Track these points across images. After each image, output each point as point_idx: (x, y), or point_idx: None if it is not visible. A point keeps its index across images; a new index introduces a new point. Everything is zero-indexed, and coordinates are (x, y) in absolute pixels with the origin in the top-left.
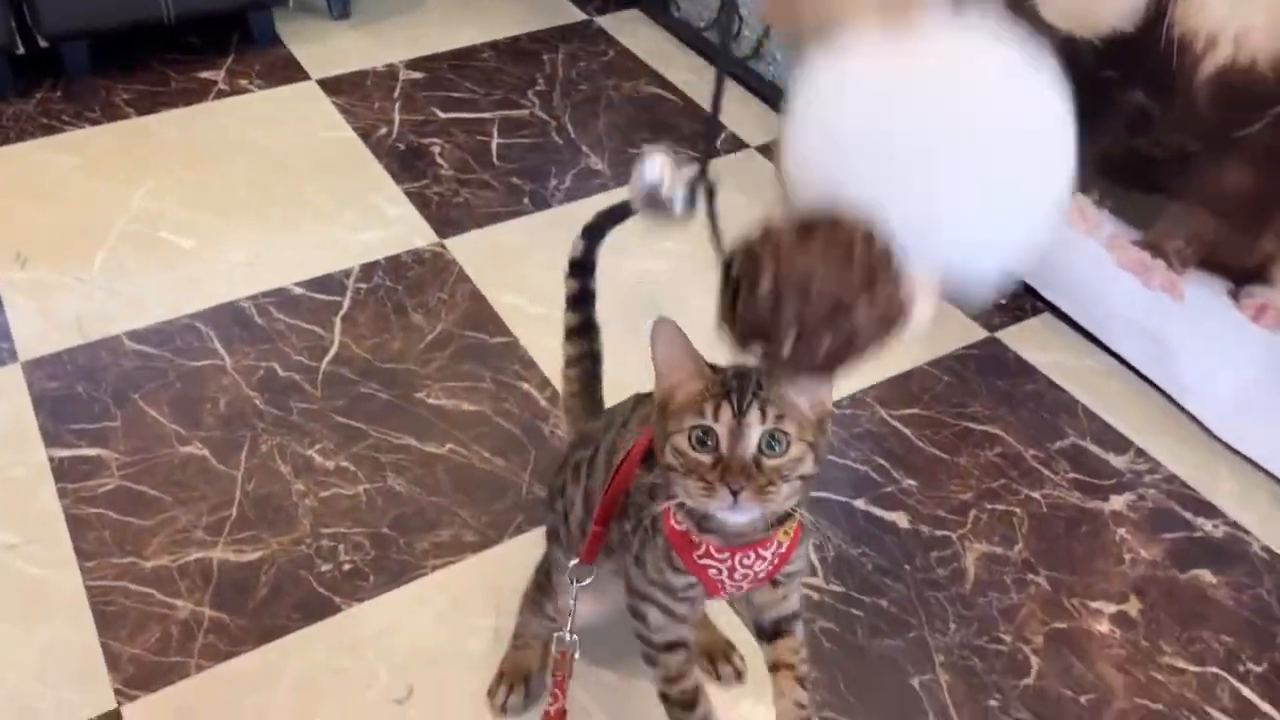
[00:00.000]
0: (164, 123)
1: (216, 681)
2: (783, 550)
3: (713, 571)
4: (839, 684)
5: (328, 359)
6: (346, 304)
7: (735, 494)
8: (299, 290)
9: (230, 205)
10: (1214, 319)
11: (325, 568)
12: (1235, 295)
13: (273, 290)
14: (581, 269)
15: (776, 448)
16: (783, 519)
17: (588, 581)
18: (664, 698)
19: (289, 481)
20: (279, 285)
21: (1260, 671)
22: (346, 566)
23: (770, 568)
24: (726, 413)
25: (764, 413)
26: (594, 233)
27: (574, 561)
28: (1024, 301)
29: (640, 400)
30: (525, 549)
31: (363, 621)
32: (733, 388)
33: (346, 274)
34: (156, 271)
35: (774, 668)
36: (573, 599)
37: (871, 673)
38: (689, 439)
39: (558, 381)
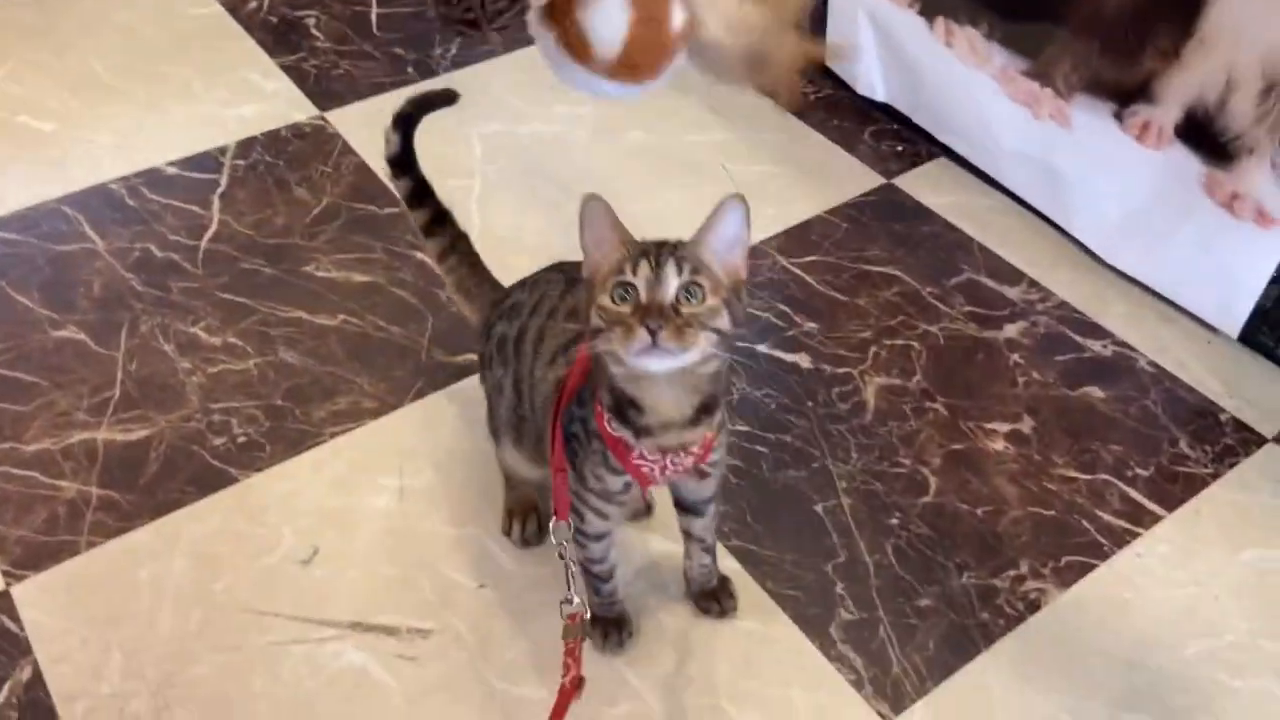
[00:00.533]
0: (18, 5)
1: (109, 557)
2: (709, 442)
3: (646, 469)
4: (746, 516)
5: (207, 237)
6: (224, 181)
7: (654, 334)
8: (172, 170)
9: (93, 87)
10: (1100, 144)
11: (218, 441)
12: (1120, 116)
13: (144, 171)
14: (403, 164)
15: (693, 299)
16: (708, 408)
17: (570, 534)
18: (585, 570)
19: (174, 360)
20: (150, 165)
21: (1147, 475)
22: (241, 439)
23: (696, 459)
24: (645, 268)
25: (680, 266)
26: (406, 122)
27: (553, 521)
28: (920, 147)
29: (569, 285)
30: (428, 411)
31: (262, 490)
32: (651, 249)
33: (222, 151)
34: (17, 157)
35: (686, 537)
36: (564, 558)
37: (777, 503)
38: (611, 296)
39: None
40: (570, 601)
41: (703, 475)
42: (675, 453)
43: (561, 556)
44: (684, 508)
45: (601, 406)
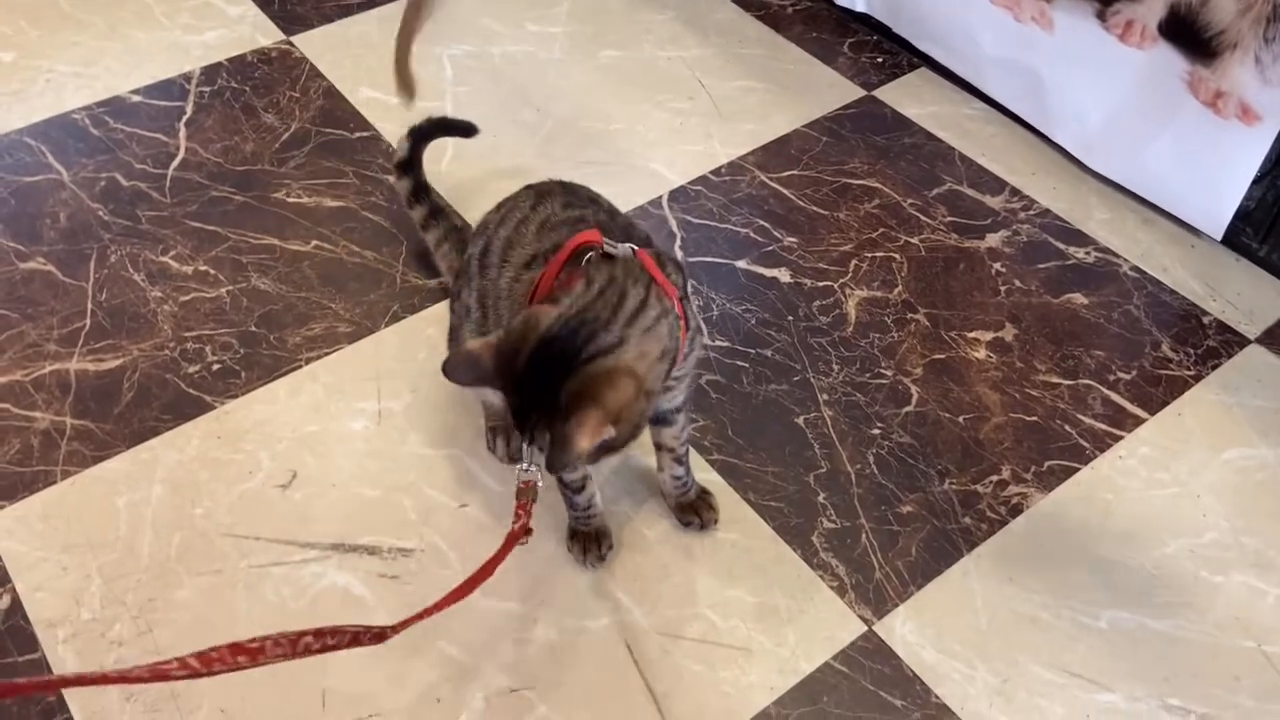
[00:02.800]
0: None
1: (86, 485)
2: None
3: None
4: (728, 430)
5: (174, 165)
6: (190, 109)
7: None
8: (136, 98)
9: (51, 16)
10: (1083, 45)
11: (193, 369)
12: (1102, 16)
13: (107, 100)
14: (408, 167)
15: None
16: None
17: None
18: (559, 481)
19: (144, 289)
20: (113, 94)
21: (1129, 379)
22: (215, 366)
23: None
24: None
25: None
26: (421, 135)
27: None
28: (900, 58)
29: (538, 199)
30: (404, 334)
31: (238, 416)
32: None
33: (187, 78)
34: None
35: (658, 447)
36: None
37: (758, 416)
38: None
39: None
40: (528, 469)
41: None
42: None
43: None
44: (653, 418)
45: None
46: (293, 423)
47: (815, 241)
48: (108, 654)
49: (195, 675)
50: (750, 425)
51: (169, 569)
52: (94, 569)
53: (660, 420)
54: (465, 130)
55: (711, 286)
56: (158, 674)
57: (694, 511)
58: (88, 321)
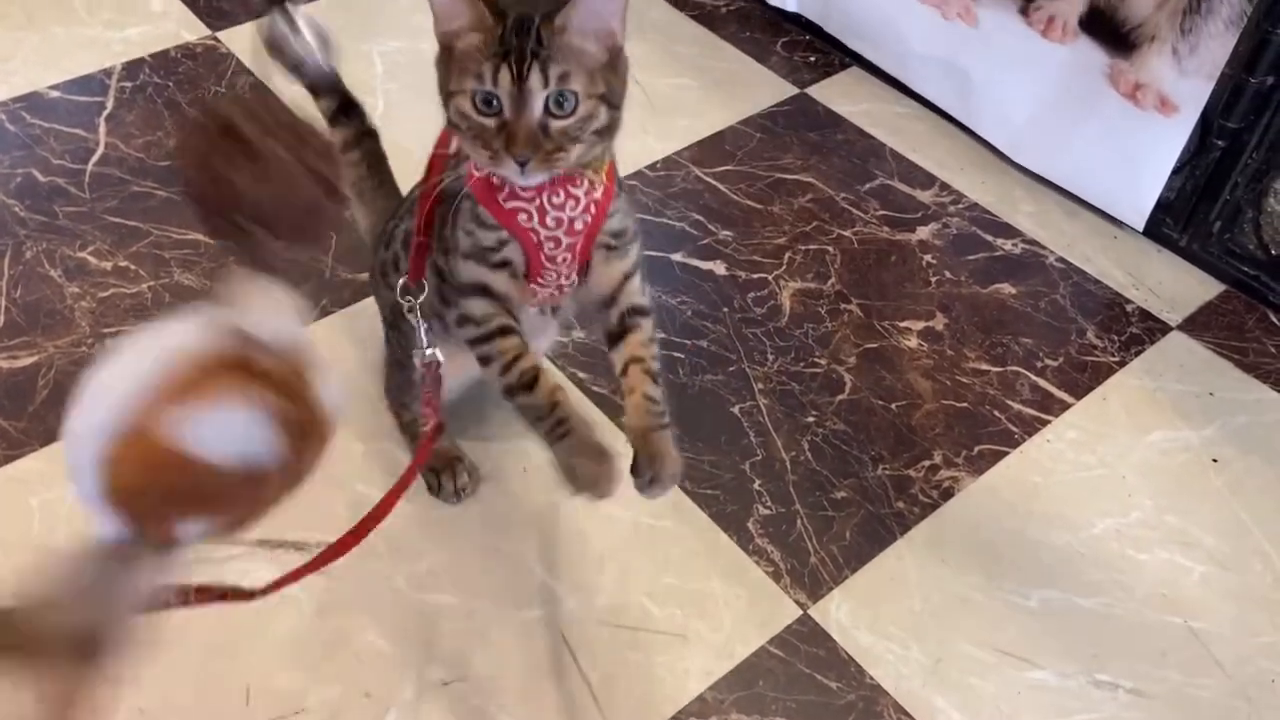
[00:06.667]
0: None
1: None
2: (596, 195)
3: (522, 217)
4: None
5: (94, 160)
6: (110, 104)
7: (522, 165)
8: (54, 93)
9: None
10: (1007, 41)
11: None
12: (1025, 11)
13: (23, 95)
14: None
15: (565, 107)
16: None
17: (422, 297)
18: (508, 391)
19: (61, 285)
20: (30, 89)
21: (1056, 365)
22: None
23: (588, 217)
24: (506, 77)
25: (546, 74)
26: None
27: (401, 280)
28: (832, 56)
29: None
30: (333, 329)
31: None
32: (512, 47)
33: (108, 73)
34: None
35: (624, 369)
36: (416, 317)
37: (694, 406)
38: (472, 102)
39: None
40: (429, 352)
41: (609, 249)
42: (550, 190)
43: (417, 317)
44: (615, 332)
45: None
46: None
47: (750, 235)
48: None
49: None
50: (687, 415)
51: None
52: (7, 569)
53: (624, 329)
54: None
55: (648, 279)
56: None
57: (660, 452)
58: (1, 319)
